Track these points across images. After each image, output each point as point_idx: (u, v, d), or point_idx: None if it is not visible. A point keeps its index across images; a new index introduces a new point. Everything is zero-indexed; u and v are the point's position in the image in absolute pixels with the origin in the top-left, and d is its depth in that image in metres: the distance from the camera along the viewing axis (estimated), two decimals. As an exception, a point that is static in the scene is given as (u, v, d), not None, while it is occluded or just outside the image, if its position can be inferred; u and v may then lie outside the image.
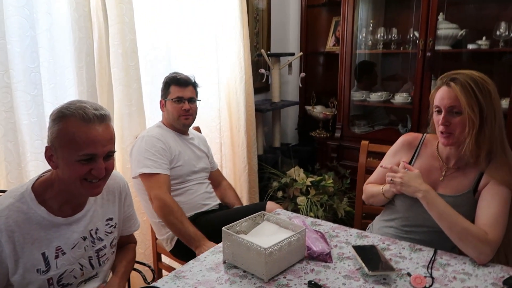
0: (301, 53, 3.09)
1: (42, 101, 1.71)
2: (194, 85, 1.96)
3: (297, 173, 2.77)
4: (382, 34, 2.86)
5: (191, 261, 1.27)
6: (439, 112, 1.34)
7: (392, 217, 1.53)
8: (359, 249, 1.27)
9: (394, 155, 1.58)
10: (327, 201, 2.61)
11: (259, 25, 3.12)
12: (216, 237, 1.52)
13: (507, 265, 1.24)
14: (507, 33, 2.42)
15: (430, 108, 1.42)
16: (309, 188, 2.67)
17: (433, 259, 1.26)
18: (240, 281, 1.15)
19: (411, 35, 2.80)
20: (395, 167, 1.42)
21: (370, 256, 1.22)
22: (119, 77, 1.98)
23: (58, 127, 1.06)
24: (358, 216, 1.95)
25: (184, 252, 1.81)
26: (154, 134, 1.85)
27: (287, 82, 3.44)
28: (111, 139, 1.11)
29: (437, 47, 2.58)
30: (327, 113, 3.10)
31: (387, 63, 3.17)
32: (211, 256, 1.30)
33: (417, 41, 2.63)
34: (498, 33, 2.45)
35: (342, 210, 2.65)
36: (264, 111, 2.89)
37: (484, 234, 1.24)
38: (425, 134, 1.54)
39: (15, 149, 1.60)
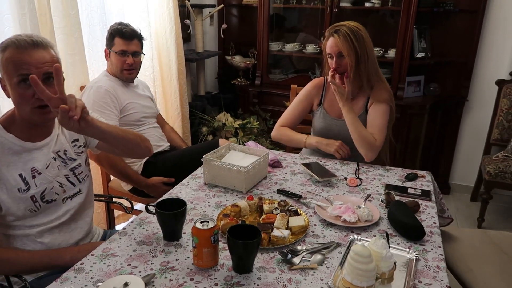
0: (222, 5, 3.26)
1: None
2: (139, 38, 2.01)
3: (225, 117, 3.06)
4: (295, -10, 3.19)
5: (177, 186, 1.51)
6: (331, 57, 1.77)
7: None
8: (307, 165, 1.65)
9: (306, 98, 1.95)
10: (255, 140, 2.97)
11: (178, -25, 3.17)
12: (179, 172, 1.74)
13: (383, 164, 1.77)
14: (394, -6, 2.95)
15: (324, 55, 1.84)
16: (237, 130, 3.00)
17: (357, 168, 1.71)
18: (224, 195, 1.45)
19: (319, -8, 3.18)
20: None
21: (316, 169, 1.62)
22: (60, 26, 1.97)
23: (1, 58, 1.15)
24: (289, 148, 2.35)
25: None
26: (102, 85, 1.91)
27: (206, 32, 3.59)
28: (47, 62, 1.15)
29: (342, 4, 3.01)
30: (248, 62, 3.39)
31: (299, 17, 3.53)
32: (192, 181, 1.55)
33: (325, -2, 3.03)
34: (388, -7, 2.96)
35: (266, 147, 3.04)
36: (192, 60, 3.05)
37: (373, 139, 1.73)
38: (326, 77, 1.92)
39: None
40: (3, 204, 1.17)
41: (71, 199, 1.32)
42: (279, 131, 1.95)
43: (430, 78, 3.17)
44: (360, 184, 1.56)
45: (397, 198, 1.42)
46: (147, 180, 1.98)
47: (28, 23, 1.76)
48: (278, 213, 1.24)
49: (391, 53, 3.00)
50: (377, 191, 1.52)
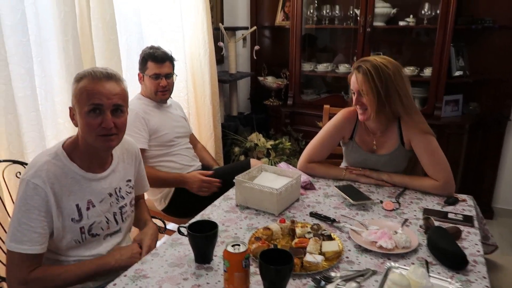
0: (255, 27, 3.32)
1: (33, 74, 1.76)
2: (171, 60, 2.06)
3: (257, 138, 3.06)
4: (327, 11, 3.20)
5: (209, 207, 1.51)
6: (354, 93, 1.67)
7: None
8: (341, 187, 1.61)
9: (336, 131, 1.79)
10: (286, 161, 2.95)
11: (213, 0, 3.27)
12: (215, 192, 1.75)
13: None
14: (429, 12, 2.89)
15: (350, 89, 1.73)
16: (269, 151, 2.99)
17: (402, 192, 1.64)
18: (256, 217, 1.43)
19: (351, 12, 3.17)
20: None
21: (350, 192, 1.57)
22: (101, 51, 2.06)
23: (75, 87, 1.23)
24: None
25: (178, 207, 2.03)
26: (133, 108, 1.95)
27: (239, 54, 3.66)
28: (118, 94, 1.23)
29: (375, 24, 2.99)
30: (280, 83, 3.40)
31: (331, 37, 3.53)
32: (223, 202, 1.55)
33: (358, 18, 3.02)
34: (423, 12, 2.91)
35: (298, 169, 3.02)
36: (226, 82, 3.10)
37: (435, 183, 1.62)
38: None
39: (15, 121, 1.66)
40: (56, 230, 1.21)
41: (110, 237, 1.35)
42: (307, 168, 1.80)
43: (469, 97, 3.06)
44: (397, 209, 1.51)
45: (436, 223, 1.35)
46: (184, 174, 2.01)
47: (71, 48, 1.85)
48: (311, 237, 1.21)
49: (427, 72, 2.92)
50: (415, 215, 1.45)
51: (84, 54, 1.96)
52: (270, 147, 2.99)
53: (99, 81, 1.21)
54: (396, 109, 1.63)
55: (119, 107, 1.24)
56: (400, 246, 1.21)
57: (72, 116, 1.26)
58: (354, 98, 1.66)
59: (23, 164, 1.60)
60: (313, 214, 1.44)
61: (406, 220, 1.39)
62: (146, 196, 2.19)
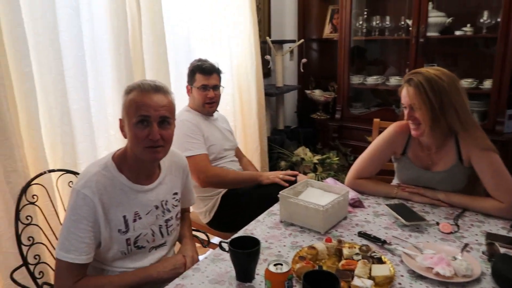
0: (302, 40, 3.28)
1: (88, 87, 1.84)
2: (218, 72, 2.07)
3: (304, 152, 3.00)
4: (377, 22, 3.10)
5: (252, 222, 1.47)
6: (405, 108, 1.55)
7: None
8: (392, 206, 1.51)
9: (387, 146, 1.68)
10: (334, 176, 2.86)
11: (260, 14, 3.28)
12: (256, 207, 1.71)
13: None
14: (489, 20, 2.71)
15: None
16: (316, 165, 2.91)
17: (461, 213, 1.51)
18: (301, 235, 1.37)
19: (403, 22, 3.05)
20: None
21: (402, 211, 1.47)
22: (151, 64, 2.11)
23: (125, 99, 1.25)
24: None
25: (223, 221, 2.01)
26: (186, 118, 1.99)
27: (286, 67, 3.64)
28: (165, 106, 1.23)
29: (428, 34, 2.85)
30: (328, 96, 3.33)
31: (380, 49, 3.42)
32: (268, 218, 1.50)
33: (410, 28, 2.89)
34: (481, 20, 2.73)
35: (346, 184, 2.91)
36: (272, 95, 3.08)
37: (499, 205, 1.47)
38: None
39: (70, 132, 1.73)
40: (104, 241, 1.22)
41: (156, 249, 1.35)
42: (356, 184, 1.70)
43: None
44: (455, 232, 1.38)
45: (502, 250, 1.22)
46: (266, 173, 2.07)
47: (123, 62, 1.92)
48: (360, 259, 1.13)
49: (487, 84, 2.73)
50: (476, 240, 1.32)
51: (135, 67, 2.02)
52: (317, 161, 2.91)
53: (147, 93, 1.22)
54: (452, 124, 1.50)
55: (166, 119, 1.25)
56: (460, 274, 1.09)
57: (121, 128, 1.29)
58: (406, 112, 1.55)
59: (75, 173, 1.66)
60: (362, 234, 1.35)
61: (466, 245, 1.26)
62: (191, 209, 2.20)
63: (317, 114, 3.42)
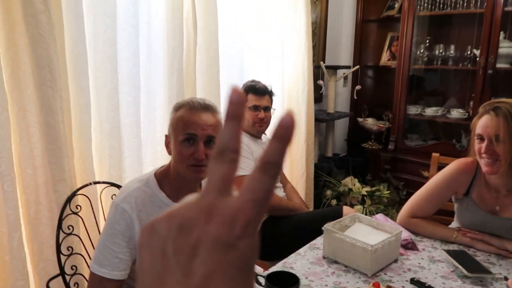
0: (358, 66, 3.18)
1: (139, 103, 1.87)
2: (270, 94, 2.06)
3: (352, 182, 2.85)
4: (440, 51, 2.94)
5: (292, 255, 1.37)
6: (481, 140, 1.38)
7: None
8: (451, 253, 1.35)
9: (447, 185, 1.53)
10: (383, 211, 2.68)
11: (316, 38, 3.24)
12: (297, 237, 1.62)
13: None
14: None
15: (472, 135, 1.44)
16: (365, 198, 2.75)
17: None
18: (345, 275, 1.25)
19: (469, 52, 2.86)
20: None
21: (464, 259, 1.30)
22: (202, 83, 2.12)
23: (173, 116, 1.23)
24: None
25: (262, 249, 1.91)
26: None
27: (339, 93, 3.54)
28: (212, 125, 1.21)
29: (498, 65, 2.64)
30: (381, 125, 3.18)
31: (441, 79, 3.23)
32: (309, 251, 1.40)
33: (477, 59, 2.70)
34: (561, 53, 2.49)
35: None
36: (322, 121, 2.99)
37: None
38: (477, 160, 1.49)
39: (118, 146, 1.75)
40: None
41: None
42: (409, 224, 1.56)
43: None
44: (527, 290, 1.19)
45: None
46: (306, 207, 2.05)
47: (175, 80, 1.93)
48: (412, 312, 1.00)
49: None
50: (555, 303, 1.13)
51: (186, 86, 2.04)
52: (365, 193, 2.75)
53: (196, 111, 1.20)
54: None
55: (212, 138, 1.22)
56: None
57: (167, 144, 1.27)
58: (483, 145, 1.38)
59: (119, 187, 1.66)
60: (415, 282, 1.21)
61: (542, 308, 1.08)
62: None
63: (369, 143, 3.26)
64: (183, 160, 1.20)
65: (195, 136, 1.19)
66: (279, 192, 2.09)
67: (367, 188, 2.78)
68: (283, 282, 1.01)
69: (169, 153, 1.26)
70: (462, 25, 2.98)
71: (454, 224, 1.64)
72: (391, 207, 2.74)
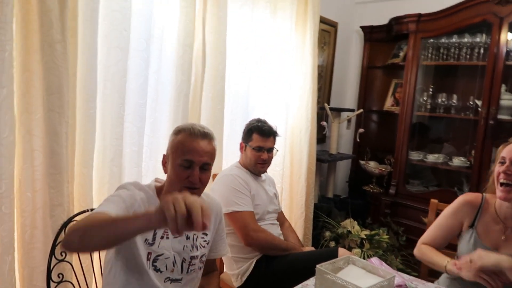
0: (362, 109, 3.24)
1: (143, 133, 1.91)
2: (275, 136, 2.06)
3: (352, 225, 2.82)
4: (443, 99, 2.99)
5: (283, 295, 1.35)
6: (503, 163, 1.44)
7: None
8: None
9: (454, 215, 1.61)
10: (382, 256, 2.63)
11: (322, 81, 3.33)
12: (290, 277, 1.59)
13: None
14: None
15: (493, 166, 1.52)
16: (363, 241, 2.71)
17: None
18: (335, 319, 1.22)
19: (471, 102, 2.91)
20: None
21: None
22: (206, 118, 2.17)
23: (173, 139, 1.33)
24: (423, 273, 1.98)
25: (255, 287, 1.88)
26: (237, 174, 1.98)
27: (342, 135, 3.58)
28: (209, 153, 1.30)
29: (499, 116, 2.68)
30: (383, 169, 3.19)
31: (444, 127, 3.27)
32: (301, 292, 1.38)
33: (478, 109, 2.75)
34: (562, 107, 2.53)
35: (395, 267, 2.65)
36: (324, 161, 3.01)
37: None
38: (484, 195, 1.60)
39: (119, 174, 1.77)
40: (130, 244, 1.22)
41: (170, 282, 1.31)
42: (420, 249, 1.65)
43: None
44: None
45: None
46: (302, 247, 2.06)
47: (180, 113, 1.99)
48: None
49: None
50: None
51: (191, 119, 2.08)
52: (364, 237, 2.71)
53: (196, 138, 1.29)
54: None
55: (207, 165, 1.31)
56: None
57: (164, 163, 1.36)
58: (501, 167, 1.45)
59: (116, 215, 1.66)
60: (407, 330, 1.18)
61: None
62: (224, 269, 2.11)
63: (370, 186, 3.26)
64: (179, 182, 1.28)
65: (192, 162, 1.27)
66: (276, 230, 2.08)
67: (366, 232, 2.74)
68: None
69: (165, 172, 1.35)
70: (465, 76, 3.05)
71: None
72: (390, 253, 2.69)
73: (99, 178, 1.72)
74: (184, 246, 1.33)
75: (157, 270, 1.28)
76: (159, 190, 1.34)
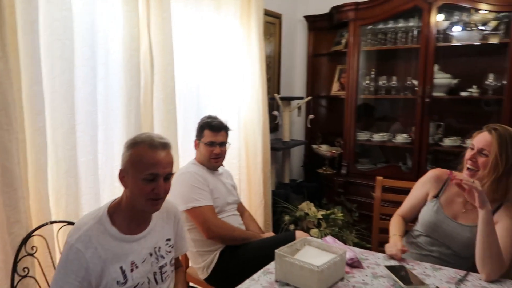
0: (310, 97, 3.38)
1: (97, 141, 1.91)
2: (226, 130, 2.13)
3: (308, 207, 2.98)
4: (384, 82, 3.19)
5: (247, 281, 1.45)
6: (472, 149, 1.60)
7: (417, 234, 1.77)
8: (391, 268, 1.48)
9: (422, 186, 1.80)
10: (338, 233, 2.81)
11: (270, 71, 3.43)
12: (254, 264, 1.69)
13: None
14: (495, 82, 2.77)
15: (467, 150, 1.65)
16: (320, 221, 2.87)
17: (464, 278, 1.47)
18: (295, 297, 1.34)
19: (409, 83, 3.13)
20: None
21: (402, 274, 1.43)
22: (160, 120, 2.20)
23: (131, 152, 1.29)
24: (375, 245, 2.16)
25: (221, 278, 1.97)
26: (194, 171, 2.04)
27: (294, 123, 3.72)
28: (170, 163, 1.32)
29: (434, 94, 2.91)
30: (334, 151, 3.36)
31: (387, 107, 3.49)
32: (263, 276, 1.48)
33: (415, 88, 2.97)
34: (487, 82, 2.79)
35: (351, 242, 2.85)
36: (278, 149, 3.13)
37: (505, 263, 1.46)
38: (451, 171, 1.76)
39: (75, 184, 1.78)
40: None
41: None
42: (391, 220, 1.85)
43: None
44: (456, 298, 1.34)
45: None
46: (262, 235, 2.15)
47: (133, 117, 2.00)
48: (352, 326, 1.10)
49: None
50: (478, 308, 1.27)
51: (144, 122, 2.10)
52: (321, 217, 2.87)
53: (157, 150, 1.28)
54: (509, 188, 1.55)
55: (170, 174, 1.32)
56: None
57: (121, 178, 1.32)
58: (470, 153, 1.60)
59: (76, 224, 1.68)
60: (358, 298, 1.32)
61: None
62: (190, 263, 2.18)
63: (323, 168, 3.44)
64: (143, 196, 1.27)
65: (157, 175, 1.27)
66: (237, 220, 2.17)
67: (323, 212, 2.91)
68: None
69: (125, 187, 1.32)
70: (402, 59, 3.27)
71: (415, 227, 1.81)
72: (345, 229, 2.88)
73: (55, 191, 1.72)
74: (150, 263, 1.35)
75: None
76: (114, 211, 1.31)
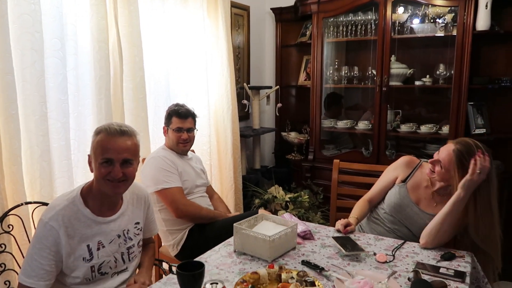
0: (278, 86, 3.54)
1: (69, 128, 2.02)
2: (193, 117, 2.28)
3: (277, 190, 3.15)
4: (346, 72, 3.38)
5: (208, 252, 1.61)
6: (436, 154, 1.74)
7: (383, 212, 1.93)
8: (337, 238, 1.66)
9: (394, 170, 1.94)
10: (304, 214, 3.00)
11: (240, 62, 3.57)
12: (221, 240, 1.85)
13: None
14: (445, 72, 2.98)
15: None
16: (288, 203, 3.06)
17: (400, 246, 1.66)
18: (250, 263, 1.51)
19: (369, 73, 3.33)
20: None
21: (345, 243, 1.62)
22: (130, 108, 2.31)
23: (93, 140, 1.43)
24: (332, 222, 2.35)
25: (189, 254, 2.12)
26: (163, 155, 2.18)
27: (264, 111, 3.88)
28: (128, 149, 1.40)
29: (391, 83, 3.11)
30: (301, 138, 3.54)
31: (350, 96, 3.68)
32: (223, 248, 1.65)
33: (375, 78, 3.16)
34: (438, 72, 3.01)
35: (316, 222, 3.04)
36: (248, 136, 3.29)
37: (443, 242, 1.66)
38: (421, 160, 1.94)
39: (48, 168, 1.89)
40: (67, 269, 1.36)
41: (118, 275, 1.49)
42: (356, 203, 1.97)
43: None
44: (390, 261, 1.53)
45: (426, 277, 1.36)
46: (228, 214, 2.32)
47: (103, 106, 2.11)
48: (294, 282, 1.27)
49: (445, 129, 2.96)
50: (406, 269, 1.47)
51: (115, 110, 2.22)
52: (288, 200, 3.06)
53: (113, 137, 1.39)
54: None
55: (128, 160, 1.42)
56: (381, 296, 1.24)
57: (89, 163, 1.46)
58: (435, 157, 1.74)
59: (50, 206, 1.80)
60: (305, 262, 1.50)
61: (394, 272, 1.41)
62: (162, 242, 2.32)
63: (292, 154, 3.61)
64: (102, 178, 1.39)
65: (111, 160, 1.39)
66: (206, 201, 2.32)
67: (290, 195, 3.09)
68: (193, 269, 1.24)
69: (91, 171, 1.45)
70: (362, 50, 3.44)
71: (381, 207, 1.96)
72: (311, 211, 3.07)
73: (30, 174, 1.82)
74: (118, 244, 1.48)
75: (103, 274, 1.43)
76: (87, 192, 1.43)
